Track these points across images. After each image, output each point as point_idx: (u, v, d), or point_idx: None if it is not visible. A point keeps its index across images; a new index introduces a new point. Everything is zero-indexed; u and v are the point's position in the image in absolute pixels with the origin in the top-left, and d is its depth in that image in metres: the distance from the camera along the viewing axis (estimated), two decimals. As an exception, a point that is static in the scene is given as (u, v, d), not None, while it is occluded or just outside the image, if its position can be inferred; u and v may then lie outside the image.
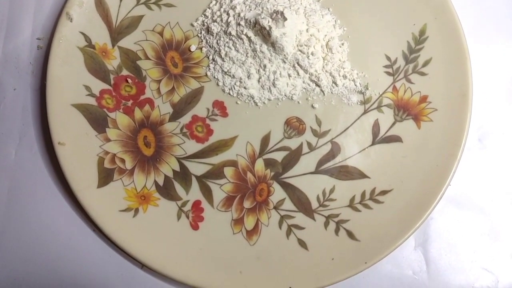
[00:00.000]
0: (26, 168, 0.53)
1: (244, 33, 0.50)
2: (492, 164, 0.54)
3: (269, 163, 0.52)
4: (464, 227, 0.53)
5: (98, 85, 0.53)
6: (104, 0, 0.53)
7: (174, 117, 0.53)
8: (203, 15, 0.54)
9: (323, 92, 0.52)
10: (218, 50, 0.52)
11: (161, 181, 0.52)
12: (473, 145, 0.54)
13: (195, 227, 0.51)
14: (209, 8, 0.54)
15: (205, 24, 0.53)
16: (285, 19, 0.48)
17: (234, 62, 0.51)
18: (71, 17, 0.52)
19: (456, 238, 0.52)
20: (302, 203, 0.51)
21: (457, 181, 0.52)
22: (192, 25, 0.54)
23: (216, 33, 0.51)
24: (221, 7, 0.53)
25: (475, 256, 0.52)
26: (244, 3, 0.52)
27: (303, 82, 0.52)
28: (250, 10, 0.51)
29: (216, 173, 0.52)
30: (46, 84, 0.51)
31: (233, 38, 0.50)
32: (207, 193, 0.51)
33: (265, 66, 0.50)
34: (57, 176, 0.53)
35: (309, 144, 0.52)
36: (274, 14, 0.48)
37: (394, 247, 0.49)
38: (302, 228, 0.51)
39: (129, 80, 0.53)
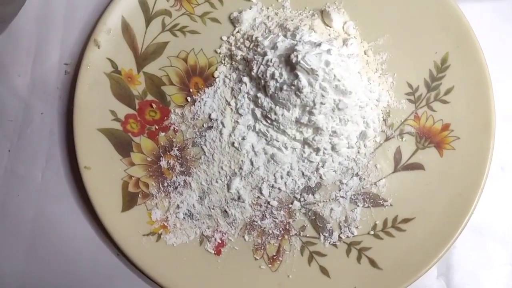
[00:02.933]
0: (52, 191, 0.54)
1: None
2: (515, 193, 0.53)
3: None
4: (486, 256, 0.52)
5: (123, 110, 0.54)
6: (130, 27, 0.54)
7: (198, 141, 0.53)
8: (226, 42, 0.55)
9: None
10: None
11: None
12: (495, 174, 0.53)
13: (217, 252, 0.51)
14: (232, 35, 0.55)
15: (231, 51, 0.54)
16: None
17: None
18: (98, 44, 0.54)
19: (479, 267, 0.52)
20: (324, 230, 0.51)
21: (479, 209, 0.51)
22: (216, 51, 0.55)
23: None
24: (244, 34, 0.54)
25: (497, 285, 0.52)
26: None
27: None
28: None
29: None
30: (73, 109, 0.52)
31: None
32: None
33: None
34: (82, 200, 0.54)
35: (331, 170, 0.52)
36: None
37: (416, 276, 0.49)
38: (324, 255, 0.51)
39: (154, 105, 0.54)
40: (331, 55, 0.47)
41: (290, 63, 0.48)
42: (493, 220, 0.53)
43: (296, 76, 0.48)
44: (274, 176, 0.52)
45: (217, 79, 0.54)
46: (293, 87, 0.48)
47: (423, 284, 0.52)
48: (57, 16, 0.57)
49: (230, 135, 0.53)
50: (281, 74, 0.49)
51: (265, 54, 0.50)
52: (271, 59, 0.49)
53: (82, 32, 0.57)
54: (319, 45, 0.48)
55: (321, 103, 0.48)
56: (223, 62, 0.54)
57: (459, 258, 0.52)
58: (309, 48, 0.48)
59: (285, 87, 0.49)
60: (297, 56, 0.47)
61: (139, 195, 0.52)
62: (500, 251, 0.52)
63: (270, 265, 0.51)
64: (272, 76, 0.49)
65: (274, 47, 0.50)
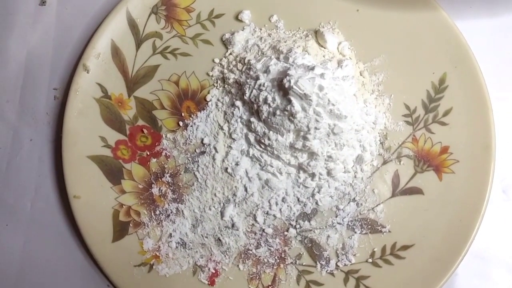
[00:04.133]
0: (41, 221, 0.53)
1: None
2: (518, 217, 0.52)
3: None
4: (490, 283, 0.51)
5: (113, 136, 0.53)
6: (120, 50, 0.53)
7: (190, 167, 0.52)
8: (219, 65, 0.54)
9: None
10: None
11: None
12: (497, 197, 0.52)
13: (211, 282, 0.50)
14: (225, 57, 0.54)
15: (223, 73, 0.53)
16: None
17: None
18: (87, 68, 0.52)
19: (482, 295, 0.50)
20: (320, 258, 0.50)
21: (481, 234, 0.50)
22: (208, 74, 0.54)
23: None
24: (237, 56, 0.53)
25: (502, 313, 0.50)
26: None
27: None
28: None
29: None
30: (62, 136, 0.51)
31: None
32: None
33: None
34: (72, 229, 0.52)
35: (327, 196, 0.51)
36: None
37: (417, 306, 0.47)
38: (321, 284, 0.49)
39: (145, 130, 0.53)
40: (325, 79, 0.46)
41: (283, 88, 0.47)
42: (496, 245, 0.51)
43: (289, 101, 0.46)
44: (269, 202, 0.51)
45: (209, 103, 0.53)
46: (286, 112, 0.47)
47: (424, 313, 0.50)
48: (47, 39, 0.56)
49: (223, 161, 0.51)
50: (274, 99, 0.47)
51: (257, 78, 0.49)
52: (264, 83, 0.48)
53: (71, 56, 0.56)
54: (312, 68, 0.47)
55: (316, 128, 0.47)
56: (216, 85, 0.53)
57: (461, 286, 0.51)
58: (302, 72, 0.46)
59: (278, 112, 0.47)
60: (289, 81, 0.46)
61: (130, 224, 0.51)
62: (504, 277, 0.51)
63: (265, 295, 0.49)
64: (265, 100, 0.48)
65: (266, 70, 0.49)
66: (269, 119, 0.48)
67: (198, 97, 0.53)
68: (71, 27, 0.56)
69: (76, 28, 0.56)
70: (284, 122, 0.48)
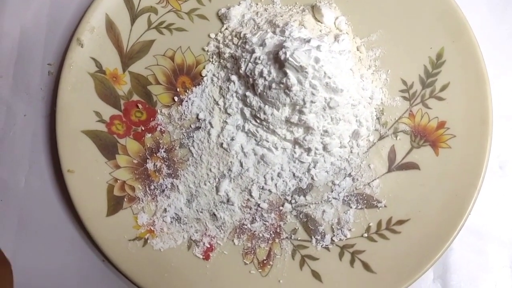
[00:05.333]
0: (36, 196, 0.53)
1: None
2: (514, 193, 0.52)
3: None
4: (485, 258, 0.51)
5: (108, 111, 0.52)
6: (115, 25, 0.53)
7: (185, 143, 0.52)
8: (214, 40, 0.53)
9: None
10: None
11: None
12: (493, 173, 0.52)
13: (205, 257, 0.50)
14: (220, 32, 0.53)
15: (219, 48, 0.52)
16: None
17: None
18: (81, 42, 0.52)
19: (477, 270, 0.50)
20: (316, 233, 0.50)
21: (477, 210, 0.49)
22: (203, 49, 0.53)
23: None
24: (233, 31, 0.52)
25: (496, 288, 0.50)
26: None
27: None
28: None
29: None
30: (56, 110, 0.51)
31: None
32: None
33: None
34: (66, 204, 0.52)
35: (323, 171, 0.51)
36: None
37: (412, 280, 0.47)
38: (316, 259, 0.49)
39: (140, 106, 0.52)
40: (321, 51, 0.46)
41: (278, 61, 0.46)
42: (491, 221, 0.51)
43: (285, 74, 0.46)
44: (264, 177, 0.50)
45: (204, 78, 0.52)
46: (282, 85, 0.46)
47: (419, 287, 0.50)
48: (41, 15, 0.56)
49: (218, 136, 0.51)
50: (269, 72, 0.47)
51: (253, 51, 0.48)
52: (259, 57, 0.48)
53: (66, 31, 0.56)
54: (309, 41, 0.46)
55: (312, 101, 0.47)
56: (211, 60, 0.53)
57: (456, 260, 0.51)
58: (298, 45, 0.46)
59: (274, 85, 0.47)
60: (285, 53, 0.45)
61: (125, 199, 0.51)
62: (499, 253, 0.51)
63: (260, 270, 0.49)
64: (261, 74, 0.47)
65: (262, 44, 0.48)
66: (264, 93, 0.48)
67: (193, 72, 0.53)
68: (65, 1, 0.55)
69: (70, 3, 0.55)
70: (280, 96, 0.47)
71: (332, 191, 0.50)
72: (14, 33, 0.56)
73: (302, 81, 0.46)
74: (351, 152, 0.50)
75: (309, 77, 0.46)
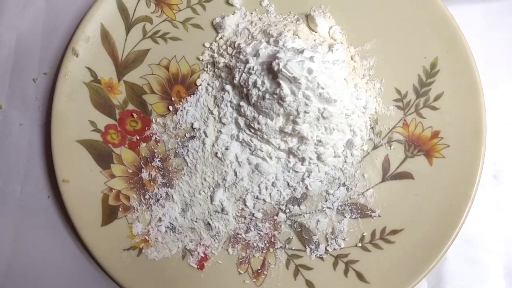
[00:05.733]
0: (31, 205, 0.53)
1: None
2: (508, 202, 0.52)
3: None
4: (479, 268, 0.51)
5: (103, 120, 0.52)
6: (110, 34, 0.53)
7: (180, 152, 0.52)
8: (209, 49, 0.53)
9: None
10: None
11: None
12: (488, 182, 0.52)
13: (200, 266, 0.50)
14: (215, 41, 0.53)
15: (213, 58, 0.52)
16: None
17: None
18: (77, 52, 0.52)
19: (471, 279, 0.50)
20: (310, 242, 0.50)
21: (471, 219, 0.49)
22: (198, 58, 0.53)
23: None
24: (227, 40, 0.52)
25: (491, 298, 0.50)
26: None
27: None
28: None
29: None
30: (51, 120, 0.51)
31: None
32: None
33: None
34: (62, 213, 0.52)
35: (317, 180, 0.51)
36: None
37: (406, 290, 0.47)
38: (310, 269, 0.49)
39: (135, 115, 0.53)
40: (314, 62, 0.46)
41: (272, 71, 0.46)
42: (486, 230, 0.51)
43: (278, 85, 0.46)
44: (259, 187, 0.50)
45: (199, 87, 0.53)
46: (275, 96, 0.47)
47: (413, 298, 0.50)
48: (36, 24, 0.56)
49: (213, 145, 0.51)
50: (263, 82, 0.47)
51: (247, 61, 0.48)
52: (253, 67, 0.48)
53: (61, 40, 0.56)
54: (302, 52, 0.46)
55: (305, 112, 0.47)
56: (206, 69, 0.53)
57: (450, 270, 0.51)
58: (291, 56, 0.46)
59: (267, 95, 0.47)
60: (278, 64, 0.45)
61: (120, 208, 0.51)
62: (493, 263, 0.51)
63: (254, 280, 0.49)
64: (254, 84, 0.48)
65: (256, 54, 0.48)
66: (258, 103, 0.48)
67: (188, 82, 0.53)
68: (61, 11, 0.56)
69: (66, 12, 0.56)
70: (274, 106, 0.47)
71: (326, 201, 0.50)
72: (10, 42, 0.56)
73: (296, 91, 0.46)
74: (345, 161, 0.51)
75: (303, 88, 0.46)
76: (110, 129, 0.52)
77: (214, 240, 0.51)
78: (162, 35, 0.53)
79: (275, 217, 0.50)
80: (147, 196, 0.51)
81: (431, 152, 0.50)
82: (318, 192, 0.50)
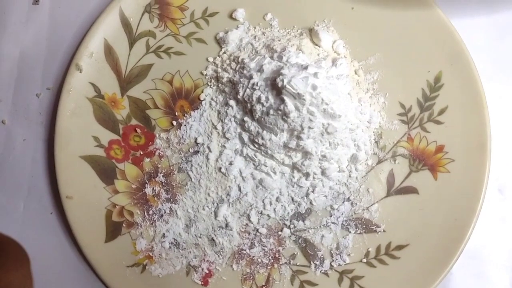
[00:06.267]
0: (34, 221, 0.53)
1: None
2: (514, 216, 0.51)
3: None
4: (485, 282, 0.50)
5: (106, 136, 0.52)
6: (113, 49, 0.53)
7: (184, 167, 0.52)
8: (213, 63, 0.53)
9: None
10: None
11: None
12: (493, 196, 0.51)
13: (204, 283, 0.50)
14: (219, 56, 0.53)
15: (217, 72, 0.52)
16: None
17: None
18: (80, 68, 0.52)
19: (477, 295, 0.50)
20: (315, 258, 0.49)
21: (477, 233, 0.49)
22: (201, 73, 0.53)
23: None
24: (231, 55, 0.52)
25: (498, 313, 0.50)
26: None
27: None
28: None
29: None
30: (54, 135, 0.51)
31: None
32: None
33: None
34: (65, 230, 0.52)
35: (321, 195, 0.50)
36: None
37: (411, 306, 0.47)
38: (315, 285, 0.49)
39: (138, 130, 0.52)
40: (318, 78, 0.46)
41: (276, 87, 0.46)
42: (492, 245, 0.51)
43: (283, 101, 0.46)
44: (263, 202, 0.50)
45: (203, 102, 0.52)
46: (279, 112, 0.47)
47: (419, 314, 0.50)
48: (40, 39, 0.56)
49: (217, 160, 0.51)
50: (267, 98, 0.47)
51: (251, 77, 0.48)
52: (257, 82, 0.48)
53: (65, 56, 0.56)
54: (306, 68, 0.46)
55: (309, 127, 0.47)
56: (209, 84, 0.53)
57: (456, 286, 0.50)
58: (295, 72, 0.46)
59: (271, 111, 0.47)
60: (282, 80, 0.45)
61: (123, 224, 0.51)
62: (499, 277, 0.50)
63: (259, 296, 0.49)
64: (258, 100, 0.48)
65: (260, 69, 0.48)
66: (262, 119, 0.48)
67: (191, 96, 0.53)
68: (64, 26, 0.56)
69: (69, 27, 0.56)
70: (278, 122, 0.47)
71: (331, 216, 0.50)
72: (13, 57, 0.56)
73: (300, 107, 0.46)
74: (350, 176, 0.50)
75: (307, 104, 0.46)
76: (114, 145, 0.52)
77: (218, 256, 0.50)
78: (166, 50, 0.53)
79: (280, 233, 0.50)
80: (150, 212, 0.51)
81: (436, 166, 0.50)
82: (323, 207, 0.50)
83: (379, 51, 0.52)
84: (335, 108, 0.46)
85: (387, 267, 0.48)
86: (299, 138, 0.48)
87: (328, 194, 0.50)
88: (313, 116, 0.46)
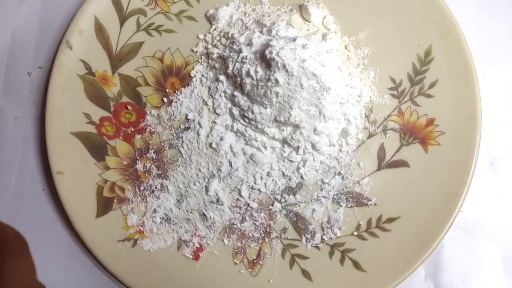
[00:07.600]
0: (26, 198, 0.53)
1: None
2: (505, 189, 0.51)
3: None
4: (476, 256, 0.50)
5: (98, 113, 0.52)
6: (104, 27, 0.53)
7: (175, 143, 0.52)
8: (203, 40, 0.53)
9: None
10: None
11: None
12: (484, 169, 0.51)
13: (195, 257, 0.50)
14: (209, 33, 0.53)
15: (207, 49, 0.53)
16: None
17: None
18: (71, 45, 0.52)
19: (468, 267, 0.50)
20: (305, 231, 0.49)
21: (468, 207, 0.49)
22: (192, 50, 0.53)
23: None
24: (221, 31, 0.52)
25: (488, 286, 0.50)
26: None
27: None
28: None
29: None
30: (45, 112, 0.51)
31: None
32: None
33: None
34: (56, 206, 0.52)
35: (312, 170, 0.50)
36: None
37: (402, 278, 0.47)
38: (306, 258, 0.49)
39: (129, 107, 0.53)
40: (307, 49, 0.46)
41: (265, 59, 0.46)
42: (483, 218, 0.51)
43: (272, 72, 0.46)
44: (254, 177, 0.50)
45: (193, 79, 0.53)
46: (268, 84, 0.47)
47: (410, 286, 0.50)
48: (31, 19, 0.56)
49: (207, 136, 0.51)
50: (256, 71, 0.47)
51: (240, 51, 0.48)
52: (247, 56, 0.48)
53: (56, 35, 0.56)
54: (295, 39, 0.46)
55: (298, 99, 0.47)
56: (200, 61, 0.53)
57: (447, 258, 0.50)
58: (284, 43, 0.46)
59: (261, 84, 0.47)
60: (271, 52, 0.45)
61: (115, 200, 0.51)
62: (491, 250, 0.50)
63: (250, 270, 0.49)
64: (248, 73, 0.48)
65: (249, 43, 0.48)
66: (252, 92, 0.48)
67: (182, 73, 0.53)
68: (56, 5, 0.56)
69: (60, 6, 0.56)
70: (267, 94, 0.47)
71: (321, 190, 0.50)
72: (5, 37, 0.56)
73: (289, 79, 0.46)
74: (340, 150, 0.50)
75: (295, 75, 0.46)
76: (105, 121, 0.52)
77: (210, 231, 0.50)
78: (156, 28, 0.54)
79: (271, 207, 0.50)
80: (142, 188, 0.51)
81: (427, 139, 0.50)
82: (314, 181, 0.50)
83: (369, 26, 0.52)
84: (324, 80, 0.46)
85: (378, 240, 0.48)
86: (288, 110, 0.48)
87: (318, 168, 0.50)
88: (302, 88, 0.46)
